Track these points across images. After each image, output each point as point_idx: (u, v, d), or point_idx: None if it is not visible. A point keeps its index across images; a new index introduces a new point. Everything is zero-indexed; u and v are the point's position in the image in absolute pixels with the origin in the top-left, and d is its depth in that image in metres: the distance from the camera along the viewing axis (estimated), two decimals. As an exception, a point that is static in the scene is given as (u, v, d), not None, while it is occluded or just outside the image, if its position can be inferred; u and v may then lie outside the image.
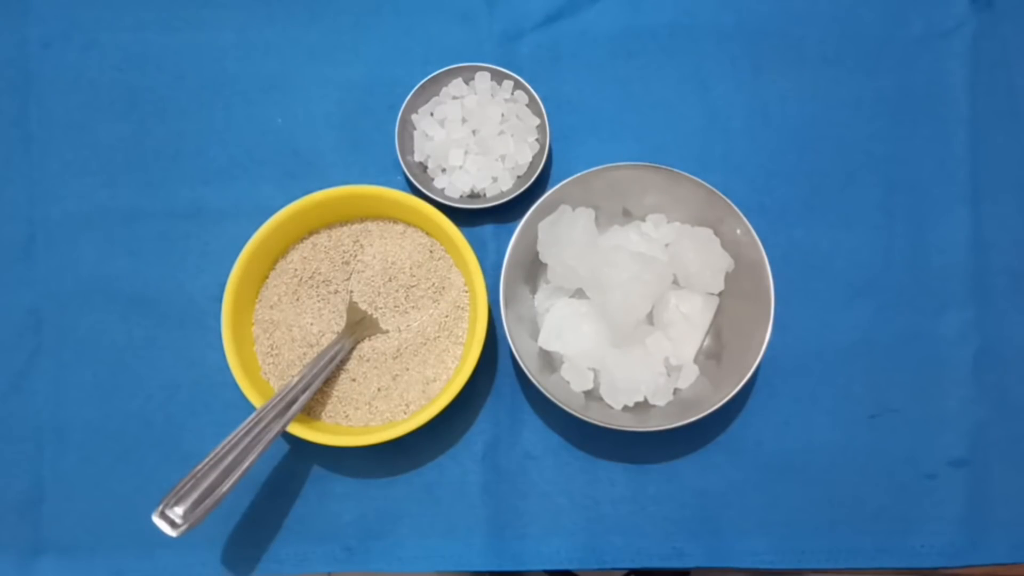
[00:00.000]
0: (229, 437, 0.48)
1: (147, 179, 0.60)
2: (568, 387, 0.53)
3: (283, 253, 0.56)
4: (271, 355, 0.55)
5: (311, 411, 0.54)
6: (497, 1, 0.62)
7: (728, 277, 0.54)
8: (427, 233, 0.57)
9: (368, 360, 0.55)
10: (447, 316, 0.55)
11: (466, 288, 0.56)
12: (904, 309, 0.58)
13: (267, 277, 0.56)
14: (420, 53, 0.62)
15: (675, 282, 0.54)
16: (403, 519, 0.55)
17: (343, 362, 0.55)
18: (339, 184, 0.54)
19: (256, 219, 0.53)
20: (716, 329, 0.55)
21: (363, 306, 0.56)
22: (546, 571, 0.62)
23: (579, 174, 0.53)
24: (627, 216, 0.57)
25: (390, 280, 0.56)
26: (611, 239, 0.55)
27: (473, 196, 0.58)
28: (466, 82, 0.59)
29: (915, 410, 0.56)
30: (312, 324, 0.55)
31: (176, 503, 0.46)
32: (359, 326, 0.55)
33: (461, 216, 0.57)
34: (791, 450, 0.56)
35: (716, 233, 0.54)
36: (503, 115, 0.58)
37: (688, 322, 0.53)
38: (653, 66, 0.61)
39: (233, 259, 0.53)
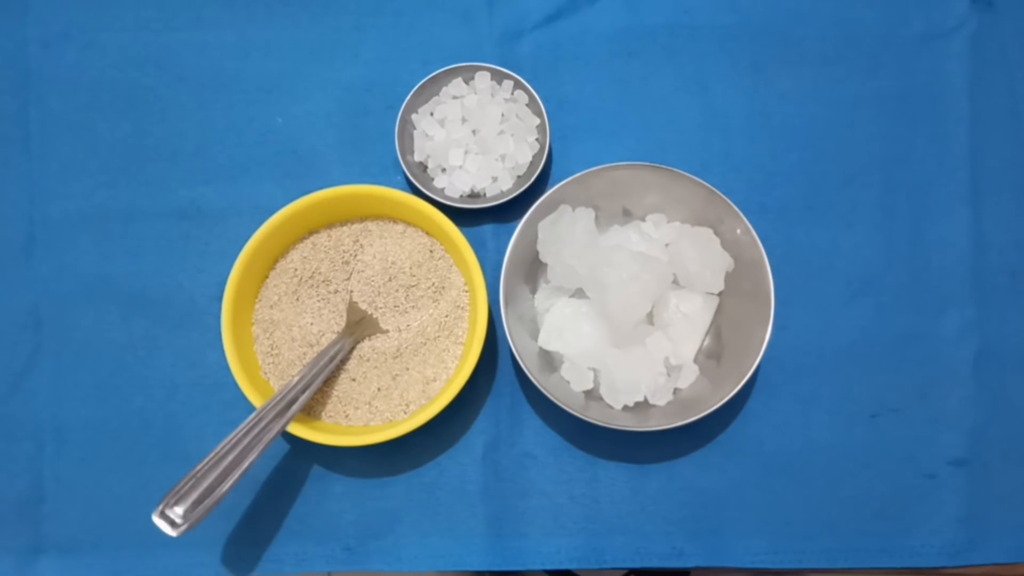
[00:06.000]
0: (229, 437, 0.48)
1: (147, 179, 0.60)
2: (568, 387, 0.53)
3: (283, 253, 0.56)
4: (271, 355, 0.55)
5: (311, 411, 0.54)
6: (497, 1, 0.62)
7: (728, 277, 0.54)
8: (427, 233, 0.57)
9: (368, 360, 0.55)
10: (447, 316, 0.55)
11: (466, 288, 0.56)
12: (904, 309, 0.58)
13: (267, 277, 0.56)
14: (420, 53, 0.62)
15: (675, 282, 0.54)
16: (403, 519, 0.55)
17: (343, 362, 0.55)
18: (339, 184, 0.54)
19: (256, 219, 0.53)
20: (716, 329, 0.55)
21: (363, 306, 0.56)
22: (546, 571, 0.62)
23: (579, 174, 0.53)
24: (627, 216, 0.57)
25: (390, 280, 0.56)
26: (611, 239, 0.55)
27: (473, 196, 0.58)
28: (466, 82, 0.59)
29: (915, 410, 0.56)
30: (312, 324, 0.55)
31: (176, 503, 0.46)
32: (359, 326, 0.55)
33: (461, 216, 0.57)
34: (791, 450, 0.56)
35: (716, 233, 0.54)
36: (503, 115, 0.58)
37: (688, 322, 0.53)
38: (653, 66, 0.61)
39: (233, 259, 0.53)
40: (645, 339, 0.52)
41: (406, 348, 0.55)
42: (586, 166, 0.53)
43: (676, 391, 0.53)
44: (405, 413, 0.54)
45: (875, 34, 0.62)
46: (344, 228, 0.57)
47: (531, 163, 0.58)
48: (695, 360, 0.54)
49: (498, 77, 0.58)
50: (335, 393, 0.54)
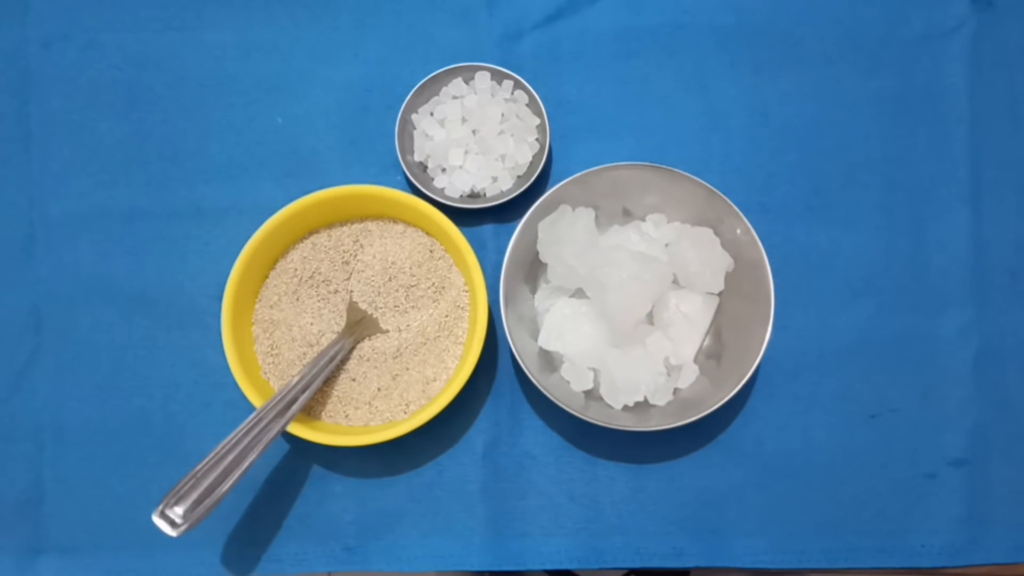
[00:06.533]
0: (229, 437, 0.48)
1: (147, 179, 0.60)
2: (568, 387, 0.53)
3: (283, 253, 0.56)
4: (271, 355, 0.55)
5: (311, 411, 0.54)
6: (497, 1, 0.62)
7: (728, 277, 0.54)
8: (427, 233, 0.57)
9: (368, 360, 0.55)
10: (447, 316, 0.55)
11: (466, 288, 0.56)
12: (904, 309, 0.58)
13: (267, 277, 0.56)
14: (420, 53, 0.62)
15: (675, 282, 0.54)
16: (403, 519, 0.55)
17: (343, 362, 0.55)
18: (339, 184, 0.54)
19: (256, 219, 0.53)
20: (716, 329, 0.55)
21: (363, 306, 0.56)
22: (546, 571, 0.62)
23: (579, 174, 0.53)
24: (627, 216, 0.57)
25: (390, 280, 0.56)
26: (611, 239, 0.55)
27: (473, 196, 0.58)
28: (466, 82, 0.59)
29: (915, 410, 0.56)
30: (312, 324, 0.55)
31: (176, 503, 0.46)
32: (359, 326, 0.55)
33: (461, 216, 0.57)
34: (791, 450, 0.56)
35: (716, 233, 0.54)
36: (503, 115, 0.58)
37: (688, 322, 0.53)
38: (653, 66, 0.61)
39: (233, 259, 0.53)
40: (645, 339, 0.52)
41: (406, 348, 0.55)
42: (586, 166, 0.53)
43: (676, 391, 0.53)
44: (405, 413, 0.54)
45: (875, 34, 0.62)
46: (344, 228, 0.57)
47: (531, 163, 0.58)
48: (695, 360, 0.54)
49: (498, 77, 0.58)
50: (335, 393, 0.54)
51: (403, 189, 0.57)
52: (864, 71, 0.61)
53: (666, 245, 0.55)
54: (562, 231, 0.53)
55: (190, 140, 0.61)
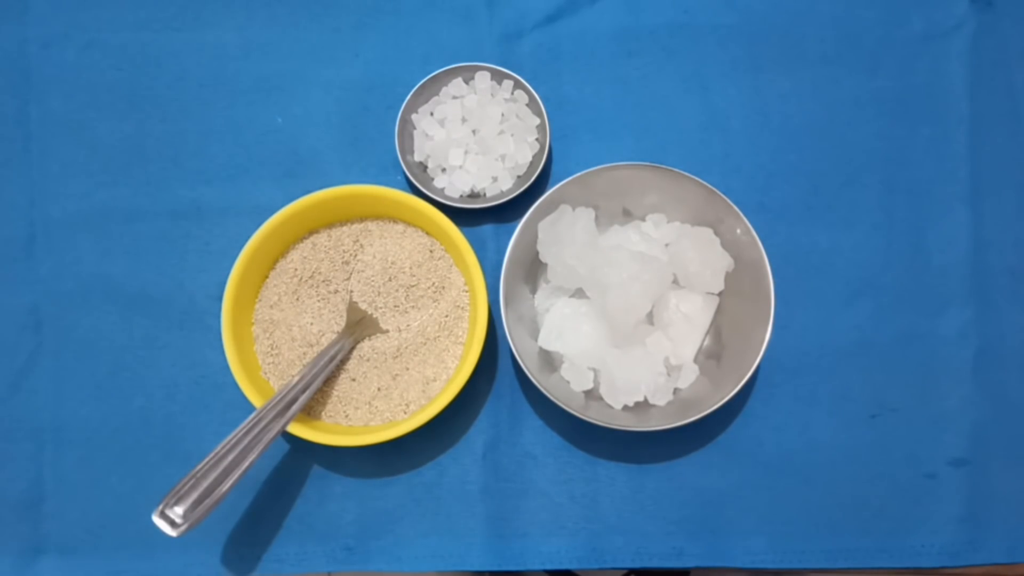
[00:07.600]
0: (229, 437, 0.48)
1: (147, 179, 0.60)
2: (568, 387, 0.53)
3: (283, 253, 0.56)
4: (271, 355, 0.55)
5: (311, 411, 0.54)
6: (497, 1, 0.62)
7: (728, 277, 0.54)
8: (427, 233, 0.57)
9: (368, 360, 0.55)
10: (447, 316, 0.55)
11: (466, 288, 0.56)
12: (904, 309, 0.58)
13: (267, 277, 0.56)
14: (420, 53, 0.62)
15: (675, 282, 0.54)
16: (403, 519, 0.55)
17: (343, 362, 0.55)
18: (339, 184, 0.54)
19: (256, 219, 0.53)
20: (716, 329, 0.55)
21: (363, 306, 0.56)
22: (546, 571, 0.62)
23: (579, 174, 0.53)
24: (627, 216, 0.57)
25: (390, 280, 0.56)
26: (611, 239, 0.55)
27: (473, 196, 0.58)
28: (466, 82, 0.59)
29: (915, 410, 0.56)
30: (312, 324, 0.55)
31: (176, 503, 0.46)
32: (359, 326, 0.55)
33: (461, 216, 0.57)
34: (791, 450, 0.56)
35: (716, 233, 0.54)
36: (503, 115, 0.58)
37: (688, 322, 0.53)
38: (653, 66, 0.61)
39: (233, 259, 0.53)
40: (645, 339, 0.52)
41: (406, 348, 0.55)
42: (586, 166, 0.53)
43: (676, 391, 0.53)
44: (405, 413, 0.54)
45: (875, 34, 0.62)
46: (344, 228, 0.57)
47: (531, 163, 0.58)
48: (695, 360, 0.54)
49: (498, 77, 0.58)
50: (335, 393, 0.54)
51: (403, 189, 0.57)
52: (864, 71, 0.61)
53: (666, 245, 0.55)
54: (562, 231, 0.53)
55: (190, 140, 0.61)
